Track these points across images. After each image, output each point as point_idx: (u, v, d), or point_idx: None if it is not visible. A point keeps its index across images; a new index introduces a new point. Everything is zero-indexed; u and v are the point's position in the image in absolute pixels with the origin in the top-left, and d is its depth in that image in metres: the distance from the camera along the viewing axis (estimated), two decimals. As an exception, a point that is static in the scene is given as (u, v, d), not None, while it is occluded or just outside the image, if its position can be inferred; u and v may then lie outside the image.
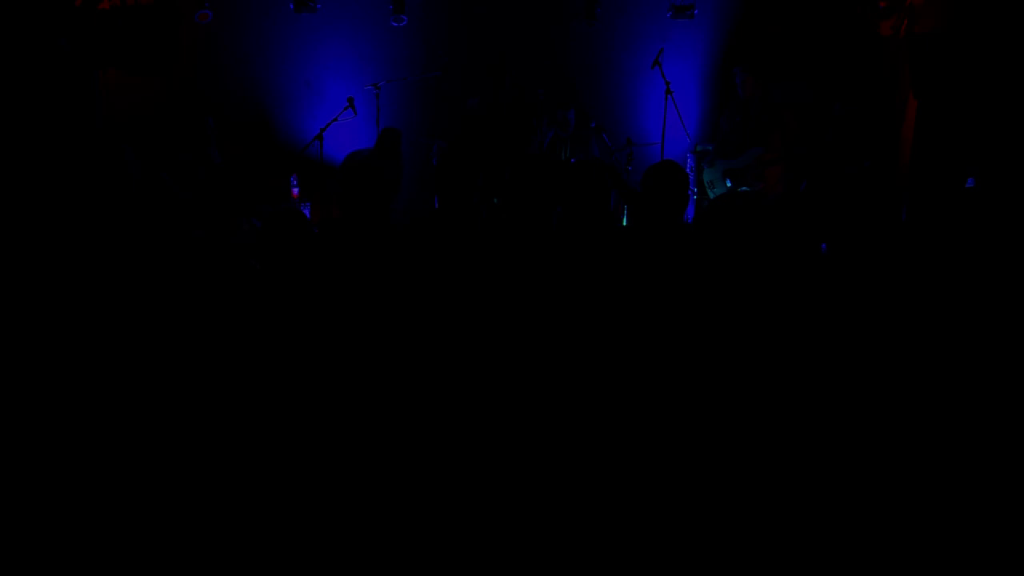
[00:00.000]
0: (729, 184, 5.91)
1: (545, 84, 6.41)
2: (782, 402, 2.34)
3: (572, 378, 2.49)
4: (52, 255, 2.73)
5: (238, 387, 2.45)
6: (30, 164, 4.45)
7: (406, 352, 2.55)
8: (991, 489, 2.20)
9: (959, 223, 2.82)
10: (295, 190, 6.18)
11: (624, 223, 5.84)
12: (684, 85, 6.56)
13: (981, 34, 5.37)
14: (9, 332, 2.51)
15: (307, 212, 5.93)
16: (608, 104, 6.77)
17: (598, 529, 2.23)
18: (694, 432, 2.35)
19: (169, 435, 2.37)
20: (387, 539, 2.23)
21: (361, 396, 2.46)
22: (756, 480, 2.26)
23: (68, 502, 2.25)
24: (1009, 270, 2.64)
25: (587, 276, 2.76)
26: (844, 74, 6.33)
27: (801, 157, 5.93)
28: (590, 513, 2.25)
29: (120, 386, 2.43)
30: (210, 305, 2.64)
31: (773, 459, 2.28)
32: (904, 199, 5.39)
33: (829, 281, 2.63)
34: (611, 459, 2.34)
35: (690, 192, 5.92)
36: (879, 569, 2.12)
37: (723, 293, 2.58)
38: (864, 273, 2.64)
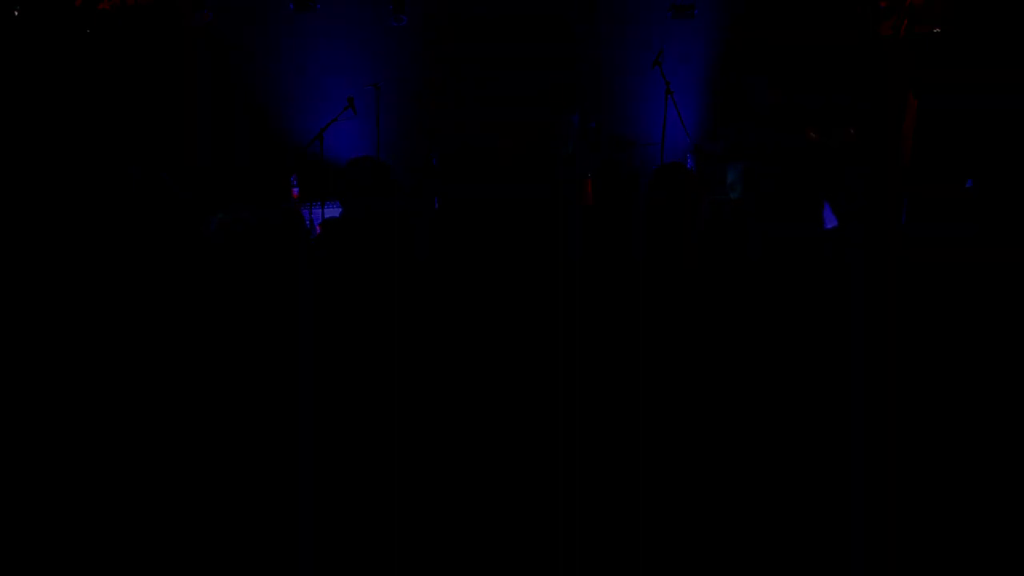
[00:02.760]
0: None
1: (545, 84, 6.41)
2: (784, 403, 2.34)
3: (574, 380, 2.48)
4: (52, 253, 2.73)
5: (239, 386, 2.45)
6: (30, 164, 4.46)
7: (406, 352, 2.55)
8: (992, 489, 2.20)
9: (959, 224, 2.82)
10: (295, 190, 6.19)
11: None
12: (685, 85, 6.56)
13: (981, 34, 5.37)
14: (9, 331, 2.51)
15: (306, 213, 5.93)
16: (608, 104, 6.78)
17: (599, 530, 2.23)
18: (698, 436, 2.35)
19: (170, 434, 2.37)
20: (387, 539, 2.23)
21: (361, 396, 2.46)
22: (762, 483, 2.26)
23: (68, 501, 2.25)
24: (1009, 271, 2.64)
25: (590, 276, 2.76)
26: (844, 74, 6.33)
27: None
28: (592, 514, 2.25)
29: (119, 385, 2.43)
30: (210, 304, 2.64)
31: (775, 460, 2.28)
32: (904, 199, 5.38)
33: (831, 282, 2.63)
34: (613, 462, 2.34)
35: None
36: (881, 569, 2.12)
37: (726, 294, 2.58)
38: (867, 274, 2.64)
